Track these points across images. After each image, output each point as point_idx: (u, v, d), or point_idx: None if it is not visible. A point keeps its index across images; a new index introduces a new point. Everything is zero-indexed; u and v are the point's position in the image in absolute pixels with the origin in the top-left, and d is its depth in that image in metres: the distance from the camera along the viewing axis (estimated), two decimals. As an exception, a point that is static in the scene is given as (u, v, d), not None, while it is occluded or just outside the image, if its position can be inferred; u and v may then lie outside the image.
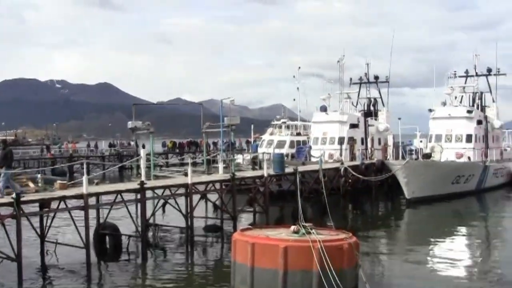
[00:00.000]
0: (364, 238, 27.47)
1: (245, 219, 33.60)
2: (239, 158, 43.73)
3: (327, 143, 50.74)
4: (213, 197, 34.74)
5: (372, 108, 59.71)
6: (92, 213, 25.31)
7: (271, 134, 56.04)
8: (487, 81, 59.96)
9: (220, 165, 34.60)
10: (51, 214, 24.50)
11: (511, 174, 56.52)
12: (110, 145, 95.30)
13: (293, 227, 17.78)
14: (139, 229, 25.75)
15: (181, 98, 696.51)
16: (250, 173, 35.89)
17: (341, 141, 50.02)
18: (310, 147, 49.18)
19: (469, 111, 51.66)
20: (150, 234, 28.98)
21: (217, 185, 31.84)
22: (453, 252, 26.95)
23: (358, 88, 61.34)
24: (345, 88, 56.29)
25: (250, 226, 22.39)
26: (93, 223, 25.23)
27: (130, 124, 35.01)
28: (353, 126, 51.74)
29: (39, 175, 28.03)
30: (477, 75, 59.01)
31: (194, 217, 27.99)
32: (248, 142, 66.13)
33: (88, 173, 25.81)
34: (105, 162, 79.51)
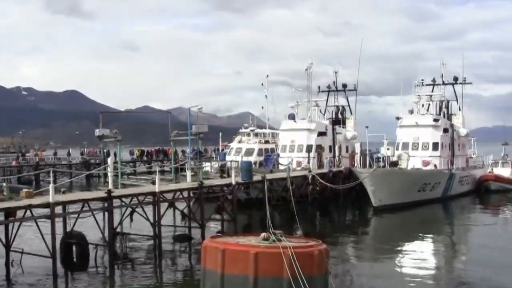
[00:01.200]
0: (333, 245, 27.50)
1: (213, 227, 33.47)
2: (207, 166, 43.60)
3: (295, 151, 50.86)
4: (181, 205, 34.56)
5: (340, 116, 60.06)
6: (59, 222, 25.02)
7: (239, 142, 55.97)
8: (454, 89, 60.83)
9: (188, 173, 34.47)
10: (17, 223, 24.13)
11: (477, 182, 57.16)
12: (82, 154, 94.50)
13: (263, 234, 17.71)
14: (107, 238, 25.51)
15: (149, 106, 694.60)
16: (218, 181, 35.80)
17: (309, 149, 50.15)
18: (278, 155, 49.27)
19: (435, 120, 52.16)
20: (117, 243, 28.71)
21: (185, 193, 31.72)
22: (420, 258, 27.24)
23: (326, 96, 61.71)
24: (313, 96, 56.60)
25: (220, 234, 22.30)
26: (60, 232, 24.94)
27: (97, 132, 34.76)
28: (321, 134, 51.96)
29: (4, 184, 27.63)
30: (443, 83, 59.73)
31: (162, 226, 27.83)
32: (217, 150, 65.96)
33: (54, 182, 25.54)
34: (72, 170, 78.70)
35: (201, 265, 18.09)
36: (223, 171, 40.94)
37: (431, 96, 56.52)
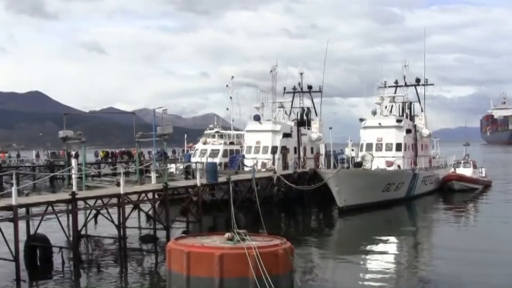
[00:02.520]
0: (298, 245, 27.63)
1: (178, 229, 33.41)
2: (172, 168, 43.49)
3: (260, 152, 50.92)
4: (146, 207, 34.43)
5: (305, 117, 60.31)
6: (22, 224, 24.76)
7: (204, 143, 55.88)
8: (416, 91, 61.50)
9: (153, 175, 34.38)
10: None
11: (440, 182, 57.93)
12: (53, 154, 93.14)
13: (227, 234, 17.79)
14: (71, 240, 25.33)
15: (114, 107, 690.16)
16: (183, 183, 35.75)
17: (274, 150, 50.27)
18: (243, 156, 49.31)
19: (398, 120, 52.76)
20: (82, 245, 28.53)
21: (150, 195, 31.61)
22: (384, 257, 27.59)
23: (291, 97, 61.83)
24: (278, 98, 56.65)
25: (184, 235, 22.29)
26: (23, 235, 24.69)
27: (61, 133, 34.42)
28: (286, 135, 52.14)
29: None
30: (406, 85, 60.43)
31: (127, 228, 27.72)
32: (183, 152, 65.78)
33: (18, 184, 25.27)
34: (35, 172, 77.73)
35: (166, 267, 18.10)
36: (188, 172, 40.88)
37: (393, 97, 57.15)
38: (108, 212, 29.27)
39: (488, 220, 39.93)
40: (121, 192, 27.24)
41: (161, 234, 30.07)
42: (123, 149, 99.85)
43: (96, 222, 33.47)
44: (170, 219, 30.31)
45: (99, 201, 28.57)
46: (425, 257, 28.30)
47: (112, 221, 28.21)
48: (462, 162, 61.64)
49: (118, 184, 29.71)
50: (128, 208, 28.66)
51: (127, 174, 45.46)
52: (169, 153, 68.82)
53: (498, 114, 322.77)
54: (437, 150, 66.18)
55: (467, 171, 59.29)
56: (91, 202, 28.04)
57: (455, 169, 60.27)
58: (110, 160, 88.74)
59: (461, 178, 57.59)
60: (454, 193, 55.83)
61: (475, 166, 61.30)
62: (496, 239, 31.85)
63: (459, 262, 25.64)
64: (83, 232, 28.88)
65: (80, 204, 26.32)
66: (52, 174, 52.62)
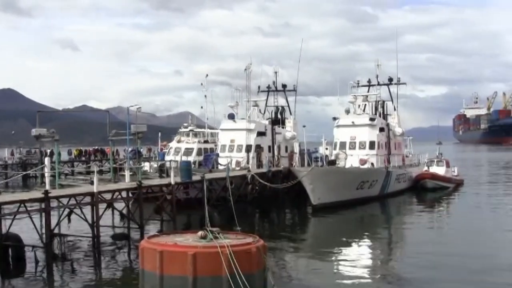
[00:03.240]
0: (272, 243, 27.78)
1: (152, 227, 33.35)
2: (146, 166, 43.35)
3: (235, 151, 50.93)
4: (120, 205, 34.32)
5: (279, 116, 60.40)
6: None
7: (179, 141, 55.74)
8: (389, 90, 61.95)
9: (127, 173, 34.26)
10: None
11: (413, 180, 58.42)
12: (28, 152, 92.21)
13: (200, 232, 17.85)
14: (44, 239, 25.18)
15: (88, 105, 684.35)
16: (157, 181, 35.69)
17: (248, 148, 50.33)
18: (218, 155, 49.26)
19: (371, 119, 53.11)
20: (55, 244, 28.36)
21: (124, 194, 31.51)
22: (358, 255, 27.90)
23: (265, 96, 61.88)
24: (252, 96, 56.77)
25: (157, 233, 22.30)
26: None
27: (34, 131, 34.12)
28: (261, 134, 52.21)
29: None
30: (379, 84, 60.85)
31: (101, 226, 27.61)
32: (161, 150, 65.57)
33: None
34: (8, 171, 76.99)
35: (139, 266, 18.10)
36: (162, 171, 40.80)
37: (367, 96, 57.51)
38: (82, 211, 29.13)
39: (459, 219, 40.48)
40: (95, 190, 27.10)
41: (135, 233, 29.98)
42: (97, 147, 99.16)
43: (69, 221, 33.33)
44: (144, 217, 30.24)
45: (73, 200, 28.43)
46: (398, 255, 28.70)
47: (86, 220, 28.07)
48: (435, 160, 62.33)
49: (91, 183, 29.57)
50: (101, 206, 28.54)
51: (101, 172, 45.19)
52: (145, 152, 68.78)
53: (470, 113, 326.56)
54: (410, 149, 66.73)
55: (440, 170, 59.94)
56: (64, 200, 27.93)
57: (428, 167, 60.85)
58: (83, 159, 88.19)
59: (434, 176, 58.17)
60: (427, 191, 56.35)
61: (448, 165, 62.00)
62: (468, 237, 32.29)
63: (432, 261, 25.85)
64: (56, 231, 28.65)
65: (53, 202, 26.14)
66: (24, 173, 52.13)
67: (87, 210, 28.38)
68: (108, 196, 29.83)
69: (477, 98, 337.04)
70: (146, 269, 17.20)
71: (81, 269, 24.85)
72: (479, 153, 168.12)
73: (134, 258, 26.15)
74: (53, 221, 26.87)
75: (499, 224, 36.51)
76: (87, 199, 27.89)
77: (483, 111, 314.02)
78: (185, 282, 16.12)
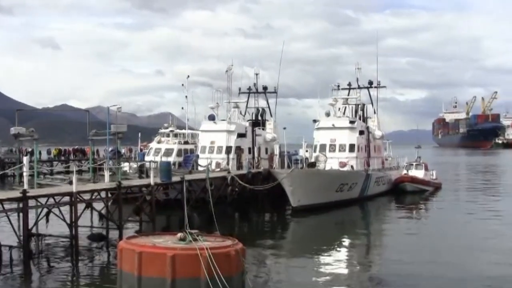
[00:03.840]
0: (251, 246, 27.72)
1: (131, 228, 33.23)
2: (126, 167, 43.21)
3: (215, 152, 50.89)
4: (99, 206, 34.15)
5: (260, 118, 60.50)
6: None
7: (159, 142, 55.65)
8: (369, 93, 62.11)
9: (106, 174, 34.12)
10: None
11: (393, 183, 58.73)
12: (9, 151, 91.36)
13: (179, 234, 17.80)
14: (21, 239, 25.00)
15: (68, 104, 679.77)
16: (136, 182, 35.58)
17: (228, 150, 50.30)
18: (198, 156, 49.21)
19: (351, 122, 53.29)
20: (33, 244, 28.14)
21: (103, 194, 31.36)
22: (337, 258, 27.99)
23: (246, 97, 62.03)
24: (233, 98, 56.83)
25: (136, 234, 22.21)
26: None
27: (13, 130, 33.97)
28: (241, 135, 52.21)
29: None
30: (359, 87, 61.05)
31: (79, 227, 27.45)
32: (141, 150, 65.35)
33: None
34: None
35: (117, 267, 18.02)
36: (142, 171, 40.70)
37: (347, 99, 57.67)
38: (60, 211, 28.95)
39: (437, 222, 40.64)
40: (74, 190, 26.96)
41: (114, 234, 29.85)
42: (77, 147, 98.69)
43: (47, 220, 33.02)
44: (123, 218, 30.12)
45: (51, 200, 28.24)
46: (377, 257, 28.77)
47: (64, 220, 27.90)
48: (414, 164, 62.75)
49: (70, 183, 29.43)
50: (80, 206, 28.38)
51: (80, 172, 44.97)
52: (126, 151, 68.43)
53: (449, 117, 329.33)
54: (389, 152, 67.03)
55: (419, 173, 60.40)
56: (42, 200, 27.72)
57: (407, 171, 61.32)
58: (63, 158, 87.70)
59: (413, 180, 58.60)
60: (406, 194, 56.71)
61: (426, 168, 62.42)
62: (446, 240, 32.49)
63: (410, 263, 26.06)
64: (34, 231, 28.46)
65: (32, 202, 25.95)
66: (2, 172, 51.72)
67: (66, 210, 28.20)
68: (87, 196, 29.70)
69: (456, 103, 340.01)
70: (124, 270, 17.13)
71: (59, 269, 24.65)
72: (458, 157, 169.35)
73: (112, 258, 26.02)
74: (31, 221, 26.73)
75: (475, 230, 36.74)
76: (66, 199, 27.73)
77: (462, 116, 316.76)
78: (163, 283, 16.07)
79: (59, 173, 55.81)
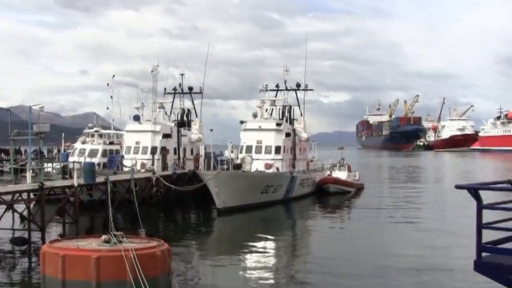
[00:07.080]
0: (176, 246, 27.70)
1: (54, 230, 32.68)
2: (49, 167, 42.42)
3: (140, 153, 50.55)
4: (20, 207, 33.41)
5: (185, 118, 60.44)
6: None
7: (83, 142, 54.82)
8: (296, 95, 62.75)
9: (28, 174, 33.44)
10: None
11: (317, 184, 59.48)
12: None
13: (104, 237, 17.66)
14: None
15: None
16: (59, 183, 35.00)
17: (153, 150, 50.01)
18: (123, 157, 48.78)
19: (278, 124, 53.76)
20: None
21: (25, 195, 30.74)
22: (261, 257, 28.36)
23: (172, 98, 61.79)
24: (159, 98, 56.44)
25: (59, 238, 21.91)
26: None
27: None
28: (166, 136, 52.02)
29: None
30: (286, 89, 61.53)
31: (0, 229, 26.85)
32: (58, 151, 64.14)
33: None
34: None
35: (40, 272, 17.71)
36: (65, 172, 40.06)
37: (274, 101, 58.12)
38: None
39: (358, 222, 41.59)
40: (-6, 192, 26.37)
41: (36, 236, 29.26)
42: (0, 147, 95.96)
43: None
44: (46, 220, 29.57)
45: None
46: (301, 257, 29.23)
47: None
48: (337, 165, 63.64)
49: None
50: (1, 208, 27.74)
51: (1, 173, 43.92)
52: (47, 152, 67.00)
53: (373, 119, 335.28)
54: (314, 153, 67.83)
55: (342, 175, 61.36)
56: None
57: (331, 172, 62.17)
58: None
59: (336, 181, 59.51)
60: (329, 195, 57.55)
61: (349, 170, 63.49)
62: (366, 240, 33.27)
63: (332, 261, 26.62)
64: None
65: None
66: None
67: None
68: (8, 198, 29.03)
69: (379, 105, 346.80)
70: (47, 275, 16.85)
71: (-22, 273, 24.05)
72: (380, 159, 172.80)
73: (34, 263, 25.48)
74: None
75: (394, 228, 37.77)
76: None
77: (385, 118, 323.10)
78: (88, 287, 15.91)
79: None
